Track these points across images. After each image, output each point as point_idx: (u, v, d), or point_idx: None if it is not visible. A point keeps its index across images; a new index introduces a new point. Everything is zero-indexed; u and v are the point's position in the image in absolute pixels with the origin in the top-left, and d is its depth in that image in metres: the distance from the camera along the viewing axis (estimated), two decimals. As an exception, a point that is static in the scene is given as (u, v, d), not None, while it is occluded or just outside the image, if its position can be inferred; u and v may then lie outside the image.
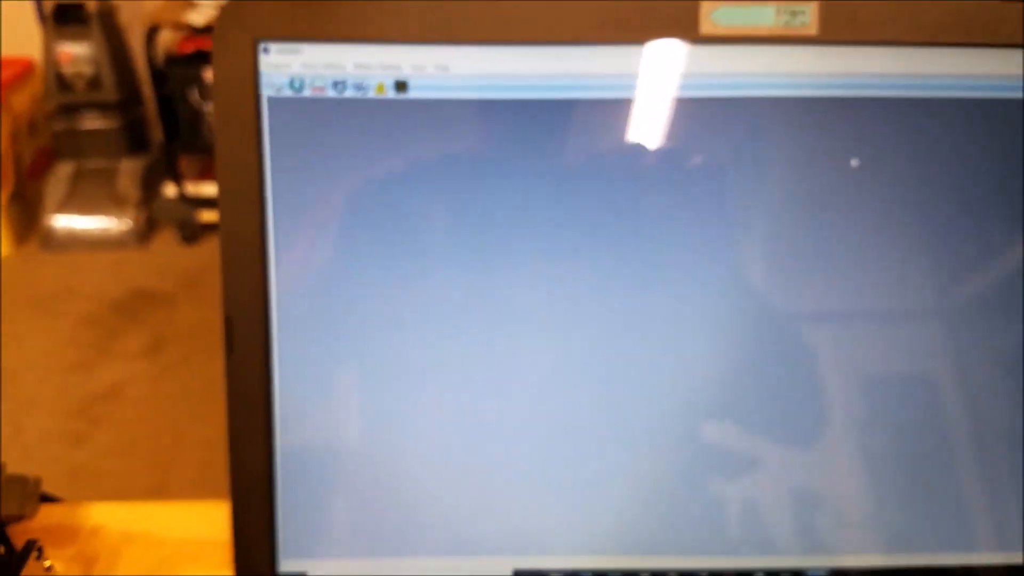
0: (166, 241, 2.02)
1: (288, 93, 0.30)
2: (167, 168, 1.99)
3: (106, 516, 0.40)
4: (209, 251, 1.99)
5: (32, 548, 0.33)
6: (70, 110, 2.00)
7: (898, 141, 0.30)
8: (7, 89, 2.02)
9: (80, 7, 1.93)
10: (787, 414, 0.31)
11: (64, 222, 1.99)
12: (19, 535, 0.37)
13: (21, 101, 2.08)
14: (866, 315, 0.31)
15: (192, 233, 2.01)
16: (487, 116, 0.30)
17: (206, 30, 1.86)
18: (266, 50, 0.30)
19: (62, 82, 1.96)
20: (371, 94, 0.30)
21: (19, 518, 0.37)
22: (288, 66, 0.30)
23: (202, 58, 1.89)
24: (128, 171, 2.02)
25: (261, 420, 0.31)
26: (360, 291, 0.31)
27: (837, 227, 0.30)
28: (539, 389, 0.31)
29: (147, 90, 2.03)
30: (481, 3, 0.30)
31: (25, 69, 2.11)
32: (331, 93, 0.30)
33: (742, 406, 0.31)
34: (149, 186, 2.02)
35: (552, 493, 0.32)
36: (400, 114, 0.30)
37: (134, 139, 2.05)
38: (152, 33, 1.89)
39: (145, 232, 2.01)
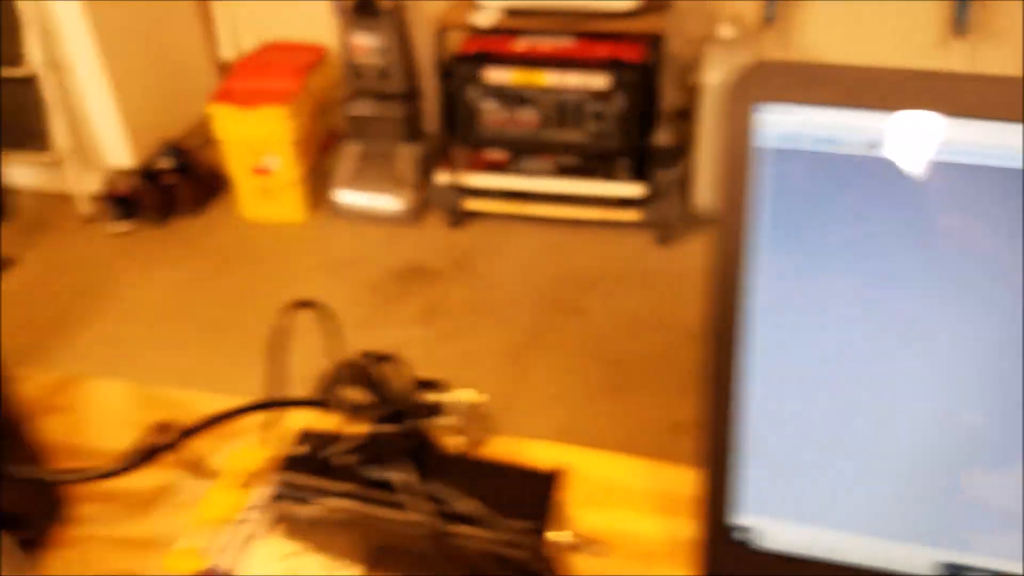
0: (435, 222, 2.22)
1: (778, 145, 0.39)
2: (442, 157, 2.17)
3: (542, 452, 0.51)
4: (472, 235, 2.17)
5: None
6: (360, 96, 2.22)
7: None
8: (307, 73, 2.27)
9: (375, 3, 2.12)
10: None
11: (350, 197, 2.23)
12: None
13: (316, 85, 2.34)
14: None
15: (458, 218, 2.19)
16: (943, 175, 0.37)
17: (489, 31, 2.01)
18: (763, 110, 0.39)
19: (355, 70, 2.19)
20: (846, 150, 0.38)
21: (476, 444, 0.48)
22: (779, 124, 0.39)
23: (483, 58, 2.03)
24: (406, 156, 2.23)
25: (729, 407, 0.40)
26: (811, 306, 0.39)
27: None
28: (959, 404, 0.38)
29: (426, 85, 2.21)
30: (941, 83, 0.37)
31: (320, 56, 2.36)
32: (812, 147, 0.38)
33: None
34: (424, 172, 2.22)
35: (978, 500, 0.38)
36: (868, 168, 0.38)
37: (412, 128, 2.25)
38: (441, 33, 2.06)
39: (419, 212, 2.22)
